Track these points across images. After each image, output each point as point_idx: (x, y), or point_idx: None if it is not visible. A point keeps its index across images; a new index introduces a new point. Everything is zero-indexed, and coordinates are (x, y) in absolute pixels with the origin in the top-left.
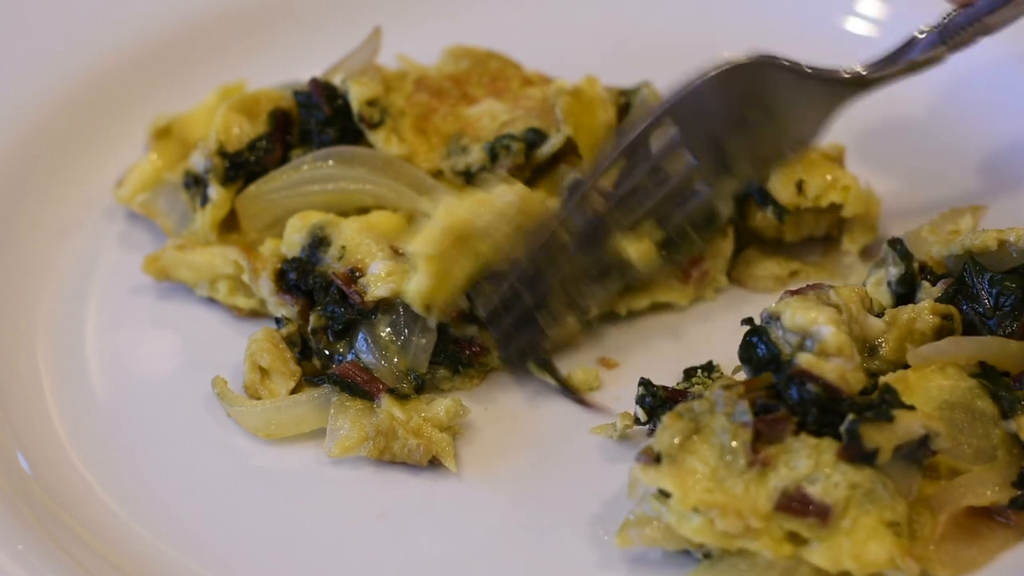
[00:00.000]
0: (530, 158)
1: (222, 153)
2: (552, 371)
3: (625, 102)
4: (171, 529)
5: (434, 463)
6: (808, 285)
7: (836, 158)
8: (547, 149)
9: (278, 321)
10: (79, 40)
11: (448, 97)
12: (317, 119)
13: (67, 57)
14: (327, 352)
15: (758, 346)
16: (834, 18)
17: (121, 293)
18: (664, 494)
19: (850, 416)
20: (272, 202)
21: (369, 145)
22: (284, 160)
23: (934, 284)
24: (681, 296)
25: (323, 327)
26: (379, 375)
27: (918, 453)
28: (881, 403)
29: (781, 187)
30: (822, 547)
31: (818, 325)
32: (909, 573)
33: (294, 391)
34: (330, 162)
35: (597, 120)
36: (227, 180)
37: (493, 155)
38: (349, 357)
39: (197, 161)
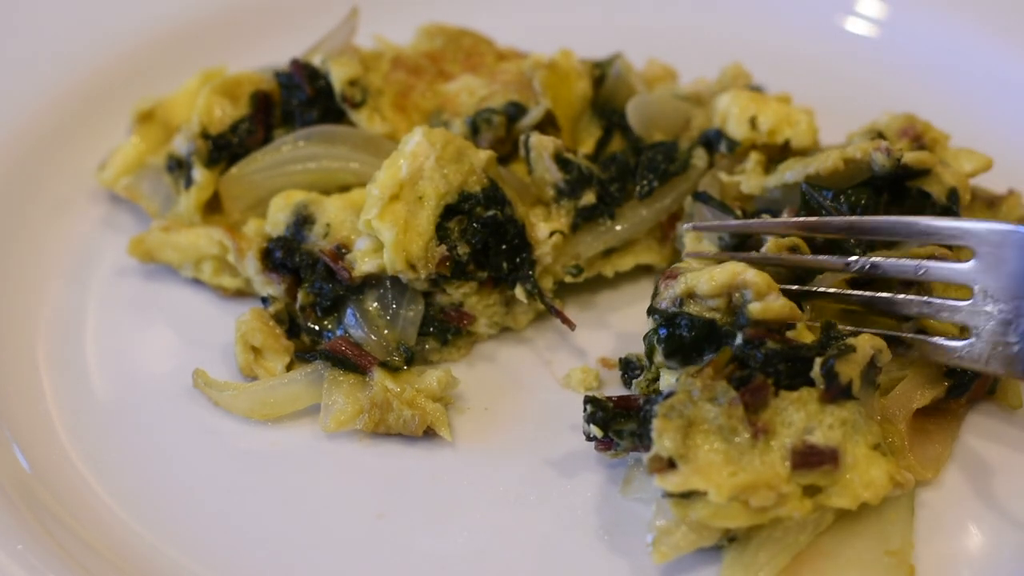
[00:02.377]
0: (511, 131)
1: (205, 135)
2: (540, 295)
3: (600, 74)
4: (171, 529)
5: (428, 433)
6: (670, 267)
7: (785, 101)
8: (527, 121)
9: (264, 300)
10: (63, 25)
11: (425, 74)
12: (299, 100)
13: (50, 42)
14: (316, 328)
15: (682, 329)
16: (834, 18)
17: (106, 276)
18: (684, 496)
19: (818, 360)
20: (255, 183)
21: (351, 124)
22: (267, 141)
23: (775, 218)
24: (660, 257)
25: (311, 304)
26: (369, 349)
27: (871, 373)
28: (833, 338)
29: (736, 124)
30: (837, 489)
31: (741, 275)
32: (909, 485)
33: (287, 367)
34: (312, 141)
35: (574, 92)
36: (210, 162)
37: (475, 129)
38: (338, 333)
39: (180, 144)
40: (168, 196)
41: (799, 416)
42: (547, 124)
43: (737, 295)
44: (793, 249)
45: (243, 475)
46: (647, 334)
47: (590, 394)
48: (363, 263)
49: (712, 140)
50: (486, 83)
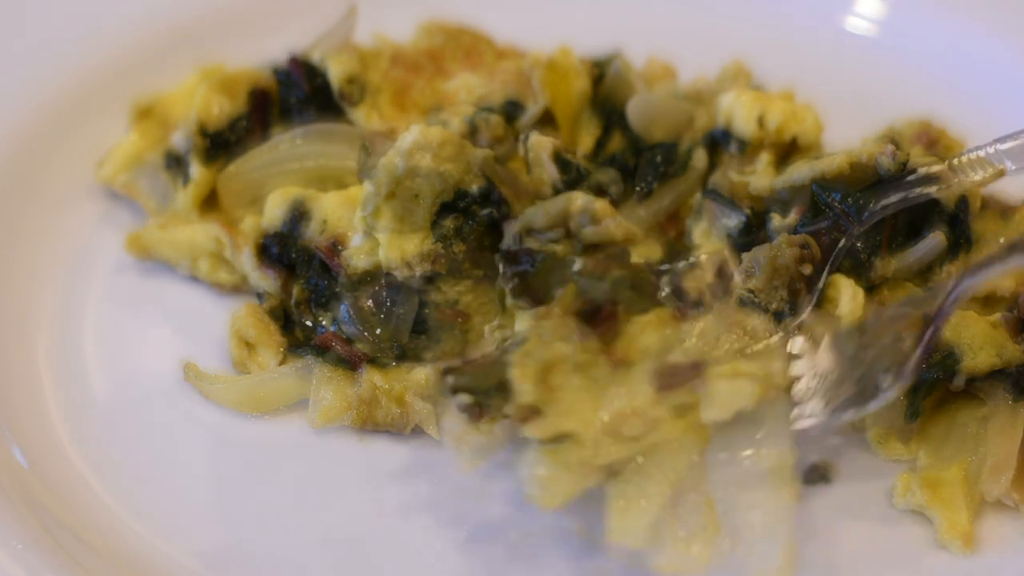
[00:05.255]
0: (509, 129)
1: (203, 132)
2: None
3: (600, 73)
4: (169, 526)
5: (416, 431)
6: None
7: (788, 98)
8: (526, 120)
9: (260, 295)
10: (59, 22)
11: (424, 72)
12: (297, 97)
13: (46, 39)
14: (310, 324)
15: (524, 266)
16: (834, 18)
17: (104, 272)
18: (555, 441)
19: (664, 279)
20: (253, 180)
21: (349, 122)
22: (264, 138)
23: (784, 216)
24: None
25: (306, 299)
26: (361, 345)
27: (722, 283)
28: (677, 253)
29: (743, 123)
30: (708, 402)
31: (576, 202)
32: (779, 387)
33: (281, 362)
34: (310, 139)
35: (573, 90)
36: (208, 159)
37: (473, 127)
38: (332, 328)
39: (178, 140)
40: (166, 193)
41: (655, 338)
42: (546, 122)
43: (574, 223)
44: (804, 247)
45: (243, 472)
46: (497, 280)
47: (443, 364)
48: (358, 259)
49: (718, 140)
50: (485, 81)
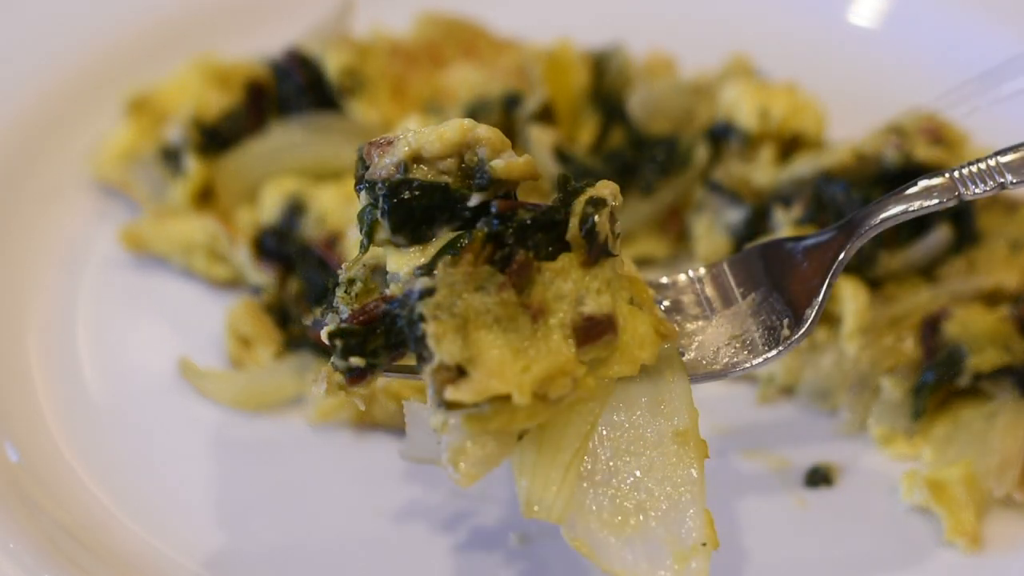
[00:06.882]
0: (508, 121)
1: (198, 126)
2: None
3: (600, 67)
4: (164, 523)
5: None
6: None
7: (791, 91)
8: (525, 112)
9: (256, 290)
10: (50, 15)
11: (422, 66)
12: (294, 91)
13: (38, 32)
14: (307, 320)
15: (410, 197)
16: (837, 11)
17: (97, 267)
18: (475, 406)
19: (575, 221)
20: (250, 175)
21: (346, 116)
22: (261, 131)
23: (788, 209)
24: (660, 249)
25: (302, 293)
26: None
27: (614, 223)
28: (574, 192)
29: (746, 116)
30: (616, 356)
31: (473, 130)
32: (673, 335)
33: (278, 359)
34: (307, 132)
35: (573, 84)
36: (203, 152)
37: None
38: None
39: (173, 134)
40: (160, 186)
41: (567, 287)
42: (545, 117)
43: (470, 154)
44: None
45: (237, 469)
46: (363, 210)
47: (329, 328)
48: (356, 257)
49: (720, 134)
50: (483, 75)
